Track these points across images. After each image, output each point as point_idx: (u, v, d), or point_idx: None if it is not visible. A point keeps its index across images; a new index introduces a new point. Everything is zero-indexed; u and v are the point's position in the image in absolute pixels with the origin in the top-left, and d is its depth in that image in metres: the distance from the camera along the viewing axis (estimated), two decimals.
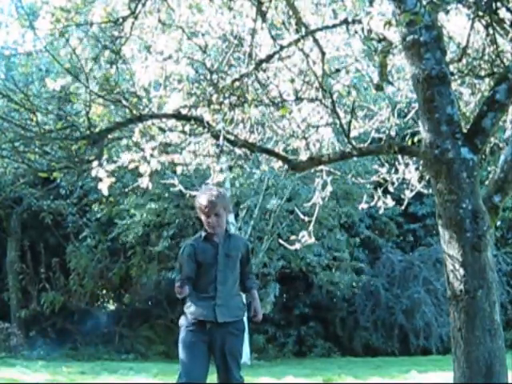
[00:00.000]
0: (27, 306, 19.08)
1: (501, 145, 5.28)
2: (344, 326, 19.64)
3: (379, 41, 4.75)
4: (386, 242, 20.40)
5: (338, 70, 5.38)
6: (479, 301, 4.15)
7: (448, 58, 4.66)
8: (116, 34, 4.94)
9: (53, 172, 5.01)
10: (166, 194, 16.15)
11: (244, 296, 4.82)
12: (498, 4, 4.57)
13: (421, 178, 5.67)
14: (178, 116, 5.04)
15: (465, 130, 4.39)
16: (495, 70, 4.90)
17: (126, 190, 12.71)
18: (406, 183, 5.80)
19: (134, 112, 4.91)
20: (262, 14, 4.84)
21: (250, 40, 4.99)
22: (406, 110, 6.07)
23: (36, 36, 4.78)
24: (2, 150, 5.03)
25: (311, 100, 5.22)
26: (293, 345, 19.12)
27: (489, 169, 5.68)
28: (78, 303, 19.18)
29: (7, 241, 19.51)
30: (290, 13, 4.97)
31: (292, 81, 5.25)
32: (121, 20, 4.87)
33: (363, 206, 6.09)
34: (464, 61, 5.10)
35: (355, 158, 11.09)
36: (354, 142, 4.81)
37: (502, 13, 4.67)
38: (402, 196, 5.87)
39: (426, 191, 5.66)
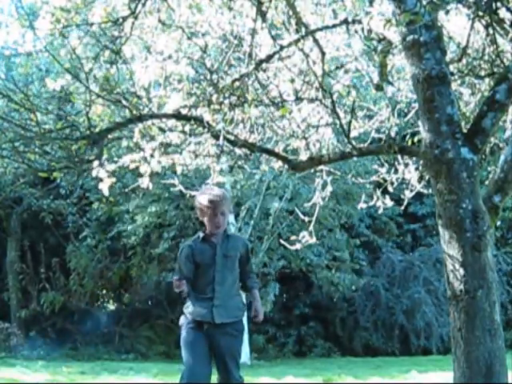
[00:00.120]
0: (27, 305, 19.08)
1: (501, 145, 5.28)
2: (344, 326, 19.64)
3: (379, 41, 4.75)
4: (386, 242, 20.40)
5: (337, 68, 5.39)
6: (479, 301, 4.15)
7: (448, 57, 4.66)
8: (116, 33, 4.94)
9: (53, 172, 5.01)
10: (167, 194, 16.15)
11: (244, 296, 4.81)
12: (498, 4, 4.57)
13: (420, 178, 5.67)
14: (178, 116, 5.04)
15: (465, 130, 4.39)
16: (495, 69, 4.90)
17: (126, 190, 12.70)
18: (405, 183, 5.80)
19: (134, 112, 4.91)
20: (262, 14, 4.84)
21: (250, 40, 4.99)
22: (406, 110, 6.07)
23: (36, 36, 4.78)
24: (2, 150, 5.03)
25: (311, 100, 5.22)
26: (293, 345, 19.12)
27: (489, 169, 5.68)
28: (78, 303, 19.18)
29: (7, 241, 19.51)
30: (290, 13, 4.97)
31: (292, 81, 5.25)
32: (121, 20, 4.87)
33: (362, 205, 6.10)
34: (464, 61, 5.10)
35: (355, 158, 11.09)
36: (353, 142, 4.81)
37: (502, 13, 4.67)
38: (402, 196, 5.87)
39: (425, 191, 5.66)
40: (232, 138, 5.06)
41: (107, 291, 21.36)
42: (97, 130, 4.90)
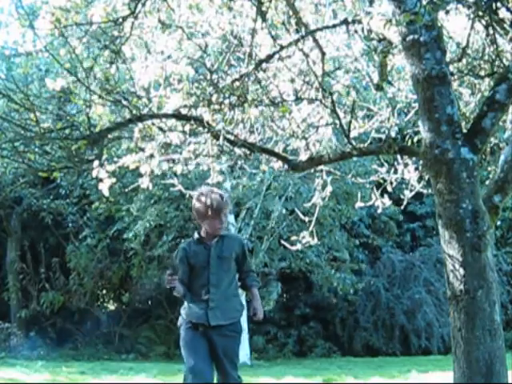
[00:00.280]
0: (27, 305, 19.08)
1: (501, 145, 5.28)
2: (344, 327, 19.64)
3: (379, 41, 4.75)
4: (386, 242, 20.40)
5: (338, 69, 5.38)
6: (479, 301, 4.15)
7: (448, 57, 4.65)
8: (116, 33, 4.94)
9: (53, 172, 5.01)
10: (166, 194, 16.12)
11: (244, 295, 4.79)
12: (498, 4, 4.57)
13: (420, 178, 5.67)
14: (178, 116, 5.04)
15: (465, 130, 4.39)
16: (495, 69, 4.90)
17: (126, 190, 12.69)
18: (405, 183, 5.80)
19: (134, 112, 4.91)
20: (262, 14, 4.84)
21: (250, 40, 4.99)
22: (406, 110, 6.07)
23: (36, 36, 4.77)
24: (2, 150, 5.03)
25: (311, 100, 5.22)
26: (293, 345, 19.12)
27: (489, 169, 5.68)
28: (77, 303, 19.17)
29: (7, 241, 19.52)
30: (290, 13, 4.97)
31: (292, 81, 5.25)
32: (121, 20, 4.87)
33: (360, 204, 6.09)
34: (464, 61, 5.10)
35: (355, 158, 11.09)
36: (353, 142, 4.81)
37: (502, 13, 4.67)
38: (402, 196, 5.87)
39: (425, 191, 5.66)
40: (232, 137, 5.05)
41: (107, 291, 21.37)
42: (97, 129, 4.90)
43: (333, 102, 4.92)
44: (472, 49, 5.10)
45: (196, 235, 4.54)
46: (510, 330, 18.84)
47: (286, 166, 5.17)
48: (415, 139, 5.13)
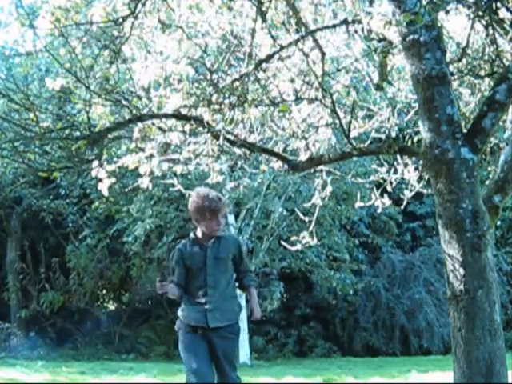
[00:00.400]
0: (27, 305, 19.08)
1: (501, 145, 5.28)
2: (344, 327, 19.65)
3: (379, 41, 4.75)
4: (386, 242, 20.40)
5: (338, 70, 5.38)
6: (479, 301, 4.15)
7: (448, 57, 4.65)
8: (116, 33, 4.94)
9: (53, 172, 5.01)
10: (166, 194, 16.11)
11: (244, 295, 4.79)
12: (498, 4, 4.57)
13: (420, 178, 5.66)
14: (178, 116, 5.04)
15: (465, 130, 4.39)
16: (495, 69, 4.90)
17: (126, 190, 12.68)
18: (405, 183, 5.80)
19: (134, 112, 4.91)
20: (262, 14, 4.84)
21: (249, 40, 4.99)
22: (406, 110, 6.07)
23: (36, 35, 4.77)
24: (2, 150, 5.03)
25: (311, 100, 5.22)
26: (293, 345, 19.13)
27: (489, 169, 5.68)
28: (77, 303, 19.17)
29: (7, 241, 19.52)
30: (290, 13, 4.97)
31: (292, 81, 5.24)
32: (121, 20, 4.87)
33: (359, 204, 6.09)
34: (464, 61, 5.10)
35: (355, 158, 11.09)
36: (353, 142, 4.81)
37: (502, 13, 4.67)
38: (402, 196, 5.87)
39: (425, 191, 5.66)
40: (232, 137, 5.05)
41: (107, 291, 21.37)
42: (97, 129, 4.90)
43: (333, 102, 4.92)
44: (472, 49, 5.10)
45: (192, 236, 4.52)
46: (510, 329, 18.84)
47: (285, 166, 5.17)
48: (415, 139, 5.12)
